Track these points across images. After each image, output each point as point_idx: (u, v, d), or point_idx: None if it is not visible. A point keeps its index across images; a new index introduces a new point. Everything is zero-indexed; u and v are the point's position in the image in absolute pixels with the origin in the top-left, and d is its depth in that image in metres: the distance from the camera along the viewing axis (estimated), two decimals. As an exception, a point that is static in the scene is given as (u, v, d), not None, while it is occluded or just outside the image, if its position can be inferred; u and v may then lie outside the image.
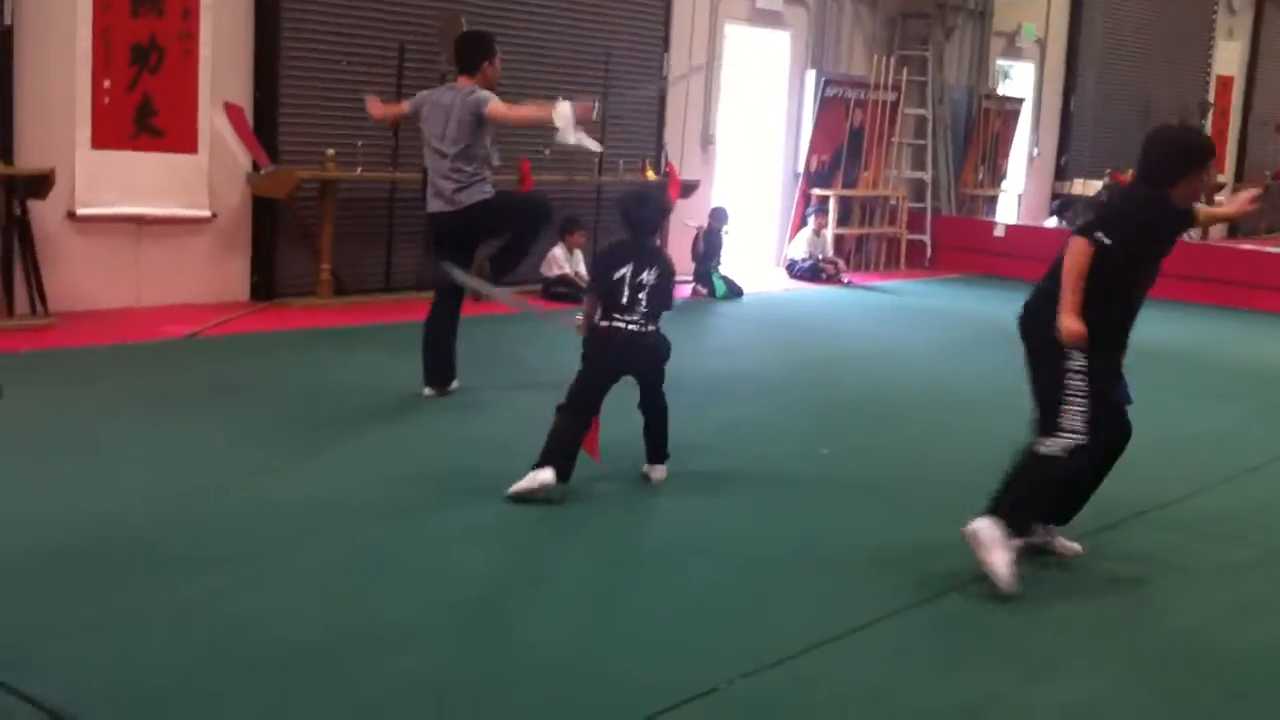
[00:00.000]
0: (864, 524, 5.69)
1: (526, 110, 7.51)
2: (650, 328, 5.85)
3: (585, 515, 5.52)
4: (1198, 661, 4.46)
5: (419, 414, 7.11)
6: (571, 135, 6.85)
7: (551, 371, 6.81)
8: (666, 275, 5.94)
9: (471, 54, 7.29)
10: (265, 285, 10.20)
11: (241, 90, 9.93)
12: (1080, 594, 4.97)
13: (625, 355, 5.87)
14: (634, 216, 6.03)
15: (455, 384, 7.45)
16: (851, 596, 4.78)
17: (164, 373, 7.76)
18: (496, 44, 7.45)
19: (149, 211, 9.44)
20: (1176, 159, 5.04)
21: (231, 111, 9.79)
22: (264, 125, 10.02)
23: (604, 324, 5.82)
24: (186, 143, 9.55)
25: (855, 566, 5.12)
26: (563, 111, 6.85)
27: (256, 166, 9.94)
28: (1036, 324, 5.08)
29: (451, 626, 4.28)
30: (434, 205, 7.26)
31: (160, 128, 9.39)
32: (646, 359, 5.91)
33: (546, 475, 5.53)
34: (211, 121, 9.68)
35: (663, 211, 6.27)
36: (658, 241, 6.20)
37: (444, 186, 7.17)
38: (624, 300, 5.80)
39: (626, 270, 5.83)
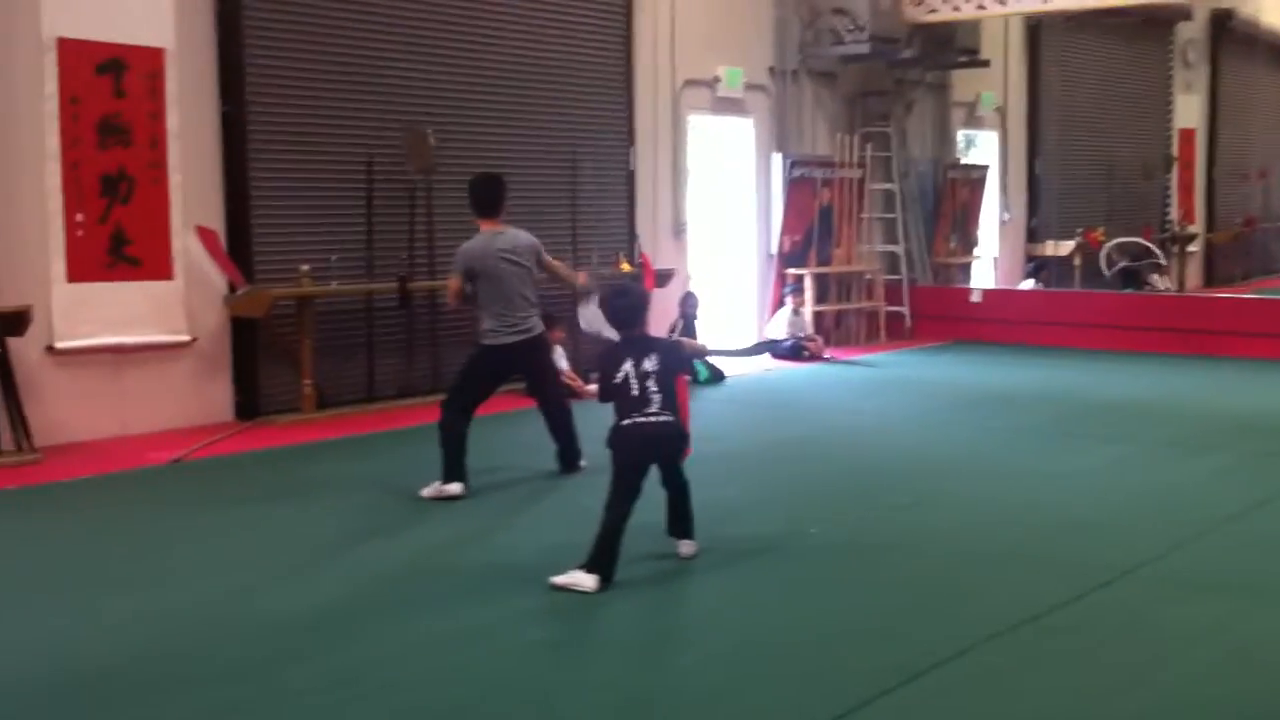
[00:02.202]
0: (851, 601, 5.68)
1: (561, 265, 8.34)
2: (667, 416, 6.00)
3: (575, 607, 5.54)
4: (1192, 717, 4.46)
5: (424, 516, 7.12)
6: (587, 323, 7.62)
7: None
8: (667, 352, 6.16)
9: (498, 198, 7.99)
10: (249, 404, 10.24)
11: (213, 213, 10.05)
12: (1069, 660, 4.96)
13: (650, 448, 6.04)
14: (616, 313, 6.25)
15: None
16: (842, 677, 4.77)
17: (152, 500, 7.77)
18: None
19: (128, 340, 9.51)
20: None
21: (204, 235, 9.90)
22: (237, 245, 10.13)
23: (625, 423, 5.99)
24: (162, 269, 9.64)
25: (844, 645, 5.11)
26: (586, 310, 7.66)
27: (233, 287, 10.03)
28: None
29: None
30: (508, 338, 7.80)
31: (135, 256, 9.48)
32: (670, 448, 6.13)
33: (591, 583, 5.66)
34: (185, 246, 9.79)
35: (641, 303, 6.38)
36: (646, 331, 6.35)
37: (519, 320, 7.81)
38: (635, 395, 5.96)
39: (627, 367, 6.00)
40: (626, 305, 6.26)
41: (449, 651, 5.05)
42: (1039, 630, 5.24)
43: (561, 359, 11.53)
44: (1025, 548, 6.49)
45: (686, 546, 6.24)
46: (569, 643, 5.25)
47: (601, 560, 5.74)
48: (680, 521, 6.26)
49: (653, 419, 5.96)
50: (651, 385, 5.96)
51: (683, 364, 6.50)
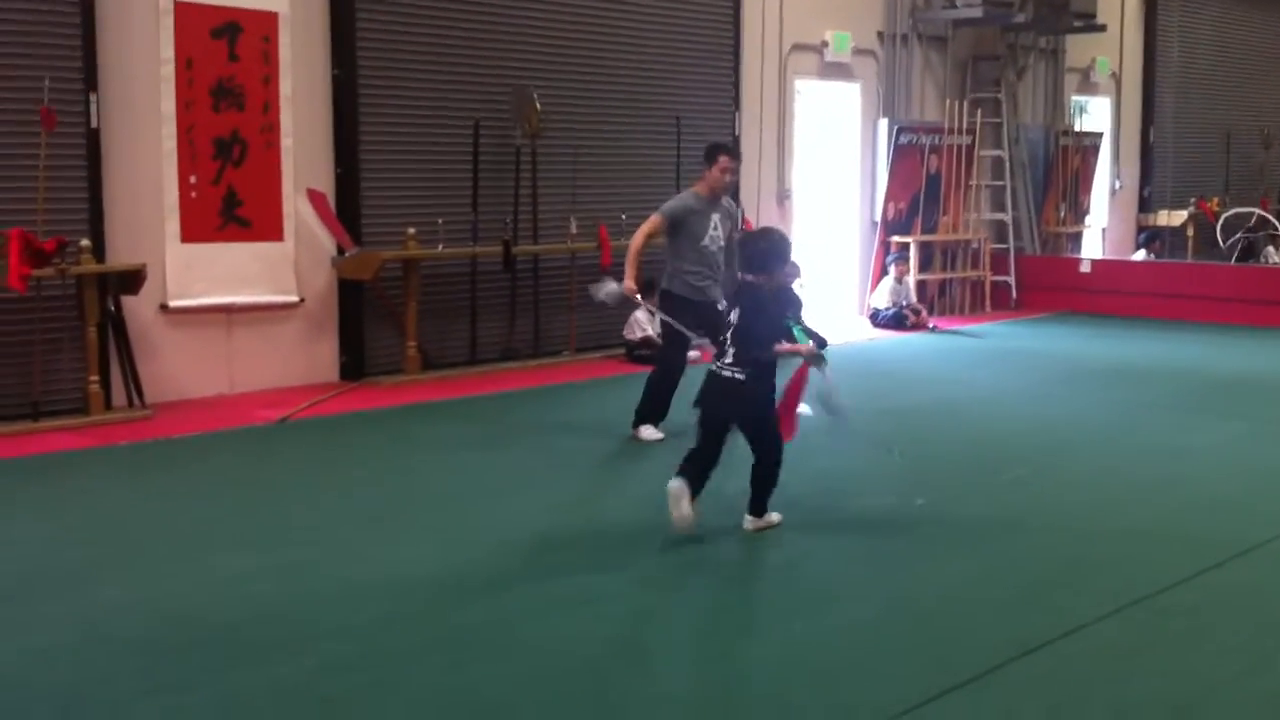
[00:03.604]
0: (962, 575, 5.60)
1: (636, 244, 8.19)
2: (739, 374, 5.82)
3: (684, 573, 5.51)
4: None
5: (532, 478, 7.15)
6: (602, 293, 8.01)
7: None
8: (752, 312, 5.86)
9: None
10: (354, 365, 10.35)
11: (323, 176, 10.15)
12: (1189, 640, 4.84)
13: (719, 403, 5.91)
14: (744, 253, 6.19)
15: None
16: (951, 651, 4.69)
17: (261, 458, 7.91)
18: (721, 152, 8.19)
19: (239, 300, 9.65)
20: None
21: (314, 198, 10.00)
22: (346, 209, 10.22)
23: (709, 369, 5.97)
24: (272, 231, 9.75)
25: (954, 619, 5.04)
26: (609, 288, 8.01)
27: (341, 250, 10.12)
28: None
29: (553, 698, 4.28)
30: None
31: (246, 218, 9.61)
32: (737, 408, 5.90)
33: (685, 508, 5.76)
34: (296, 208, 9.89)
35: (772, 249, 6.06)
36: (771, 282, 6.05)
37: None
38: (720, 342, 5.95)
39: (733, 313, 5.98)
40: (749, 248, 6.12)
41: (555, 618, 5.06)
42: (1157, 609, 5.13)
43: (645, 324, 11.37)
44: (1143, 524, 6.35)
45: (747, 522, 6.06)
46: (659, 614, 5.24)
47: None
48: (751, 497, 6.08)
49: (726, 373, 5.87)
50: (727, 338, 5.89)
51: (761, 326, 5.87)
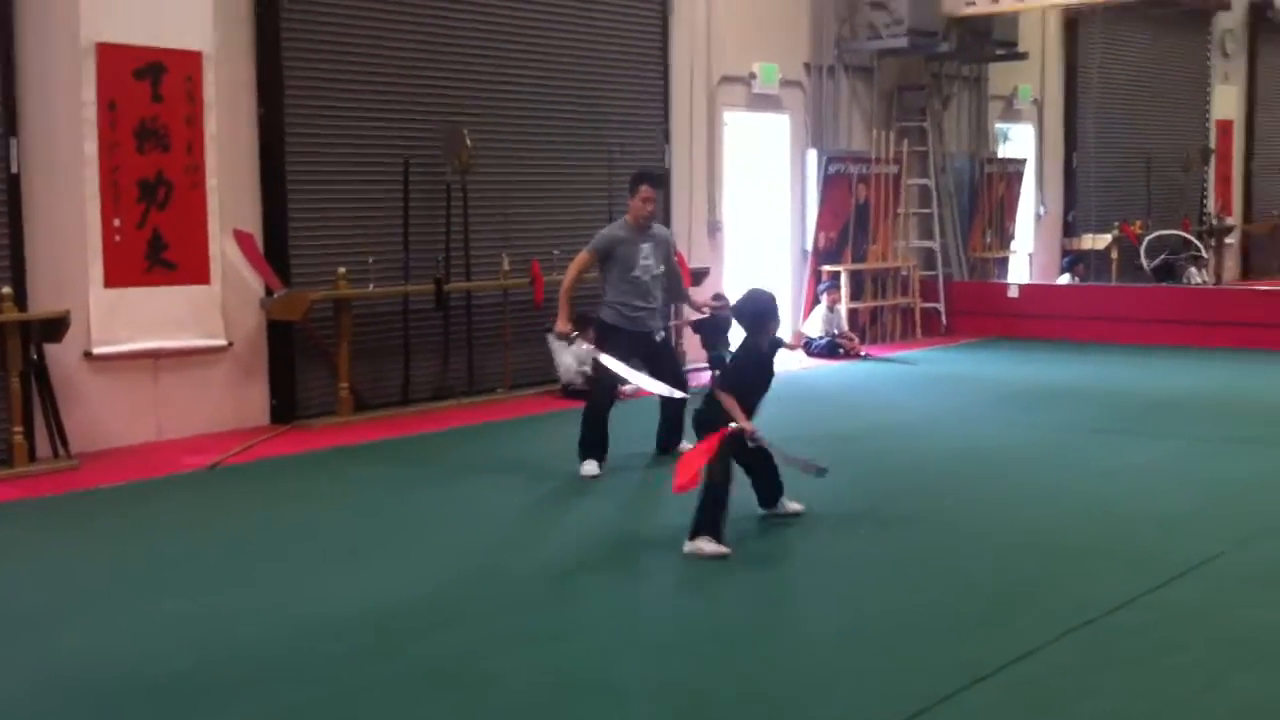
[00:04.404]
0: (908, 601, 5.58)
1: (567, 283, 8.26)
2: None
3: (636, 606, 5.44)
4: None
5: (470, 514, 7.05)
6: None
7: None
8: (739, 358, 6.79)
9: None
10: (285, 408, 10.18)
11: (250, 217, 10.00)
12: (1136, 661, 4.84)
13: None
14: (739, 320, 6.73)
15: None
16: (901, 680, 4.65)
17: (193, 506, 7.73)
18: (641, 181, 8.25)
19: (166, 345, 9.46)
20: None
21: (242, 239, 9.85)
22: (274, 249, 10.07)
23: None
24: (199, 274, 9.59)
25: (902, 647, 5.01)
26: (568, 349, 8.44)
27: (270, 291, 9.98)
28: None
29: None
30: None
31: (172, 261, 9.44)
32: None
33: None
34: (223, 250, 9.73)
35: (765, 309, 6.68)
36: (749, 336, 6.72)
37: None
38: None
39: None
40: (749, 310, 6.63)
41: (516, 654, 4.97)
42: (1108, 630, 5.13)
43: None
44: (1087, 544, 6.39)
45: (688, 545, 6.17)
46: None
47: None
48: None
49: None
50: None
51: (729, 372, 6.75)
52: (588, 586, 5.92)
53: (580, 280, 8.33)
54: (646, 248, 8.15)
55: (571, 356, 7.97)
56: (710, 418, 6.40)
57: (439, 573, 6.10)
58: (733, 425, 6.25)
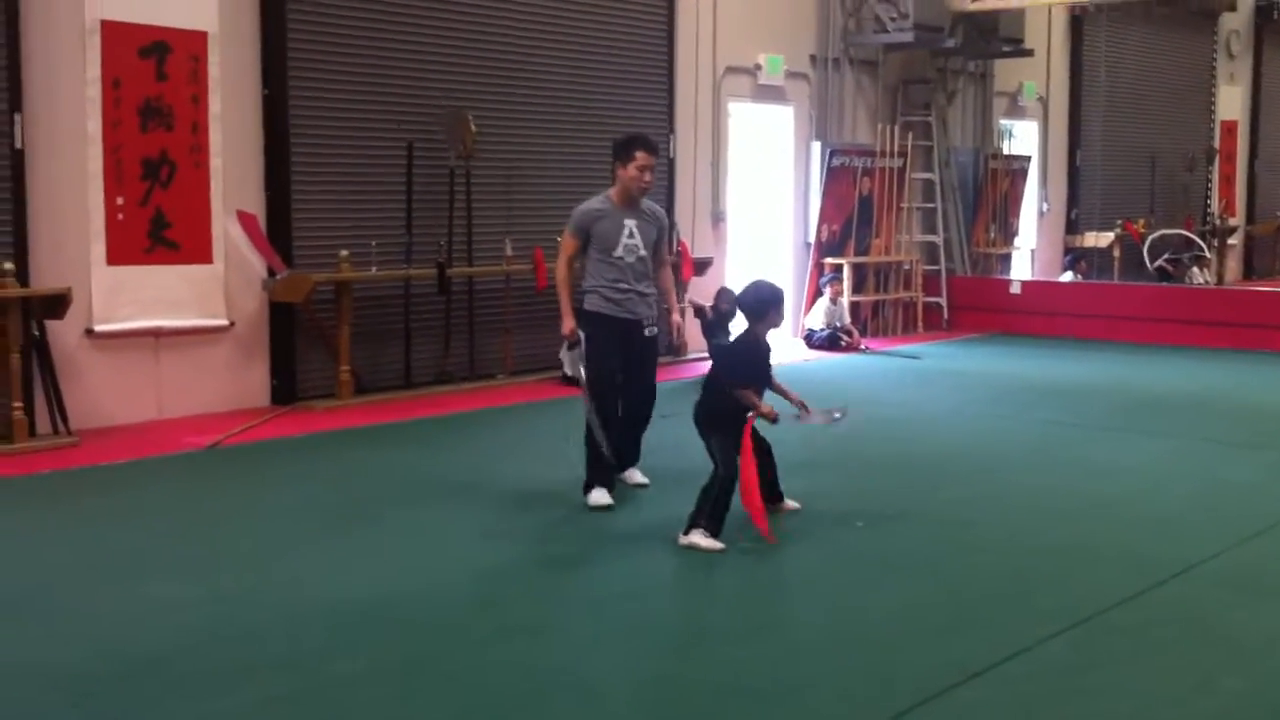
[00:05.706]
0: (904, 597, 5.59)
1: (561, 273, 7.39)
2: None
3: (626, 600, 5.46)
4: (1259, 722, 4.35)
5: (453, 505, 7.06)
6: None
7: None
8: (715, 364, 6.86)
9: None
10: (285, 389, 10.19)
11: (254, 198, 10.00)
12: (1127, 660, 4.86)
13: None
14: (743, 309, 6.69)
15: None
16: (894, 676, 4.66)
17: (191, 485, 7.74)
18: (636, 146, 7.27)
19: (167, 324, 9.47)
20: None
21: (245, 219, 9.85)
22: (278, 230, 10.07)
23: None
24: (201, 253, 9.59)
25: (896, 643, 5.02)
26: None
27: (272, 272, 9.98)
28: None
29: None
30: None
31: (175, 240, 9.44)
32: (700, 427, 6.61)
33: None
34: (226, 231, 9.74)
35: (737, 301, 6.79)
36: (748, 328, 6.69)
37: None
38: None
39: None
40: (756, 300, 6.57)
41: (503, 647, 4.98)
42: (1102, 629, 5.14)
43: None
44: (1083, 542, 6.39)
45: (683, 538, 6.23)
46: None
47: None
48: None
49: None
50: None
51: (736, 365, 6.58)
52: (581, 579, 5.93)
53: (575, 268, 7.41)
54: (631, 225, 7.13)
55: (571, 365, 7.47)
56: (712, 408, 6.40)
57: (432, 562, 6.09)
58: (765, 407, 6.32)
